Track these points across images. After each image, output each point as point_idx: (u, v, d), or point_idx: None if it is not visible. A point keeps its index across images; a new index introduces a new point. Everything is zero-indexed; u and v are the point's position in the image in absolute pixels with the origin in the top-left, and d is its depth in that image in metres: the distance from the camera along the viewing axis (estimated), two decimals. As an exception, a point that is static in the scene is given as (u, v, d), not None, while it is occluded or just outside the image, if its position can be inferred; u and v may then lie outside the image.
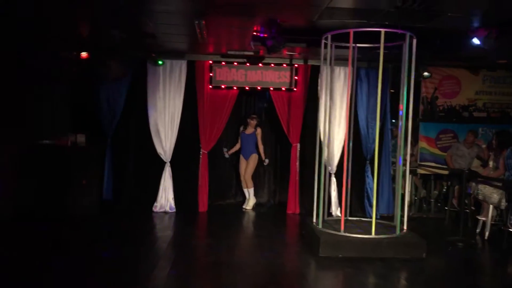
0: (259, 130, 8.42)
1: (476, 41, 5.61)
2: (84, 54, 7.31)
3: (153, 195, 8.03)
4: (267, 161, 8.55)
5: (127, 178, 8.24)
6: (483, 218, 7.02)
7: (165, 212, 7.99)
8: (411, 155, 8.26)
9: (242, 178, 8.51)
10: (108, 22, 6.05)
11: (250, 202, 8.48)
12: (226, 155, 8.52)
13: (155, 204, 8.03)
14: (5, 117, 6.79)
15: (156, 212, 7.96)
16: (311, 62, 8.16)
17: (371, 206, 7.89)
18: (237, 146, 8.54)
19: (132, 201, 8.18)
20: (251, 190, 8.50)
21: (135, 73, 8.01)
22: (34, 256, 5.30)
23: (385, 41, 5.61)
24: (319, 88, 7.41)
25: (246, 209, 8.41)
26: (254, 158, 8.42)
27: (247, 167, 8.43)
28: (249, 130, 8.38)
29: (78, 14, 5.75)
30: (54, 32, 6.62)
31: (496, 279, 5.36)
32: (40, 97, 7.69)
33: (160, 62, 7.78)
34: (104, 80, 7.84)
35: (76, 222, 6.93)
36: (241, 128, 8.47)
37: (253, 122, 8.35)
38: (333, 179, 8.12)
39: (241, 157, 8.48)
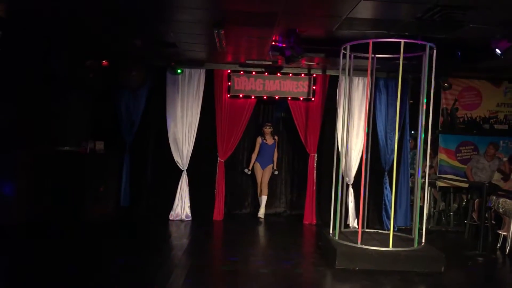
0: (277, 138, 8.48)
1: (498, 52, 5.52)
2: (105, 62, 7.41)
3: (170, 203, 8.06)
4: (277, 172, 8.60)
5: (144, 185, 8.27)
6: (504, 233, 6.87)
7: (181, 220, 8.00)
8: (430, 167, 8.18)
9: (259, 186, 8.46)
10: (131, 32, 6.14)
11: (263, 209, 8.38)
12: (249, 172, 8.43)
13: (171, 212, 8.05)
14: (25, 123, 6.90)
15: (172, 220, 7.98)
16: (329, 72, 8.14)
17: (388, 218, 7.80)
18: (254, 158, 8.41)
19: (148, 208, 8.21)
20: (265, 198, 8.42)
21: (154, 81, 8.08)
22: (49, 261, 5.34)
23: (405, 52, 5.57)
24: (337, 98, 7.38)
25: (261, 218, 8.29)
26: (270, 167, 8.47)
27: (264, 175, 8.40)
28: (270, 140, 8.36)
29: (100, 22, 5.83)
30: (76, 40, 6.73)
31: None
32: (61, 104, 7.79)
33: (179, 71, 7.84)
34: (124, 88, 7.93)
35: (93, 228, 6.98)
36: (260, 139, 8.36)
37: (269, 130, 8.31)
38: (351, 190, 8.04)
39: (258, 165, 8.41)
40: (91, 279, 4.81)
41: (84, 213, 7.25)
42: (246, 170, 8.43)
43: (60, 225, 6.90)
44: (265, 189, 8.40)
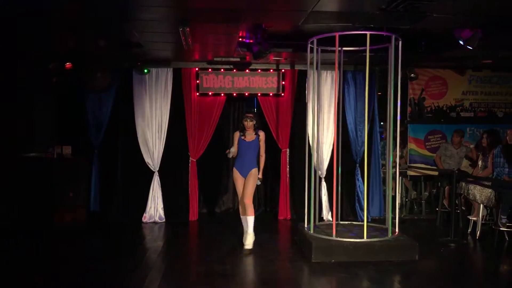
0: (262, 135, 6.31)
1: (461, 41, 5.61)
2: (68, 65, 7.22)
3: (142, 205, 7.94)
4: (259, 182, 6.32)
5: (115, 189, 8.11)
6: (474, 218, 7.03)
7: (155, 222, 7.90)
8: (401, 157, 8.29)
9: (240, 202, 6.30)
10: (94, 32, 5.99)
11: (250, 237, 6.10)
12: (230, 155, 6.23)
13: (144, 214, 7.93)
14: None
15: (146, 223, 7.87)
16: (298, 67, 8.15)
17: (362, 209, 7.88)
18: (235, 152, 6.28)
19: (120, 212, 8.05)
20: (251, 220, 6.11)
21: (121, 82, 7.93)
22: (21, 271, 5.18)
23: (371, 44, 5.61)
24: (306, 92, 7.39)
25: (249, 248, 6.05)
26: (254, 174, 6.19)
27: (246, 186, 6.13)
28: (250, 136, 6.20)
29: (63, 24, 5.67)
30: (38, 42, 6.53)
31: (488, 278, 5.36)
32: (25, 109, 7.57)
33: (146, 71, 7.72)
34: (90, 90, 7.75)
35: (63, 235, 6.81)
36: (238, 134, 6.29)
37: (251, 123, 6.16)
38: (324, 183, 8.08)
39: (236, 172, 6.25)
40: (64, 287, 4.70)
41: (54, 220, 7.06)
42: (231, 151, 6.21)
43: (29, 233, 6.71)
44: (250, 207, 6.08)
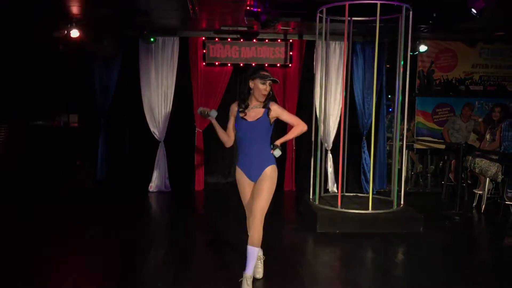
0: (276, 107, 3.92)
1: (474, 12, 5.48)
2: (75, 34, 7.15)
3: (148, 174, 7.98)
4: (278, 151, 3.86)
5: (121, 158, 8.15)
6: (480, 192, 7.03)
7: (161, 192, 7.95)
8: (407, 130, 8.26)
9: (248, 212, 4.11)
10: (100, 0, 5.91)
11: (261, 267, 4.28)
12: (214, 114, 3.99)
13: (150, 183, 7.99)
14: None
15: (152, 192, 7.93)
16: (306, 37, 8.03)
17: (367, 181, 7.88)
18: (225, 137, 4.15)
19: (126, 181, 8.11)
20: (256, 252, 3.90)
21: (127, 51, 7.86)
22: (29, 238, 5.25)
23: (381, 14, 5.50)
24: (314, 63, 7.30)
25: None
26: (272, 175, 3.96)
27: (256, 197, 3.94)
28: (255, 112, 3.82)
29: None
30: (44, 9, 6.45)
31: (492, 251, 5.38)
32: (31, 77, 7.55)
33: (152, 40, 7.64)
34: (96, 59, 7.70)
35: (70, 203, 6.88)
36: (235, 109, 3.92)
37: (267, 88, 3.81)
38: (330, 155, 8.07)
39: (240, 173, 3.99)
40: (70, 254, 4.75)
41: (61, 188, 7.13)
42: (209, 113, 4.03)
43: (37, 201, 6.78)
44: (258, 231, 3.96)
